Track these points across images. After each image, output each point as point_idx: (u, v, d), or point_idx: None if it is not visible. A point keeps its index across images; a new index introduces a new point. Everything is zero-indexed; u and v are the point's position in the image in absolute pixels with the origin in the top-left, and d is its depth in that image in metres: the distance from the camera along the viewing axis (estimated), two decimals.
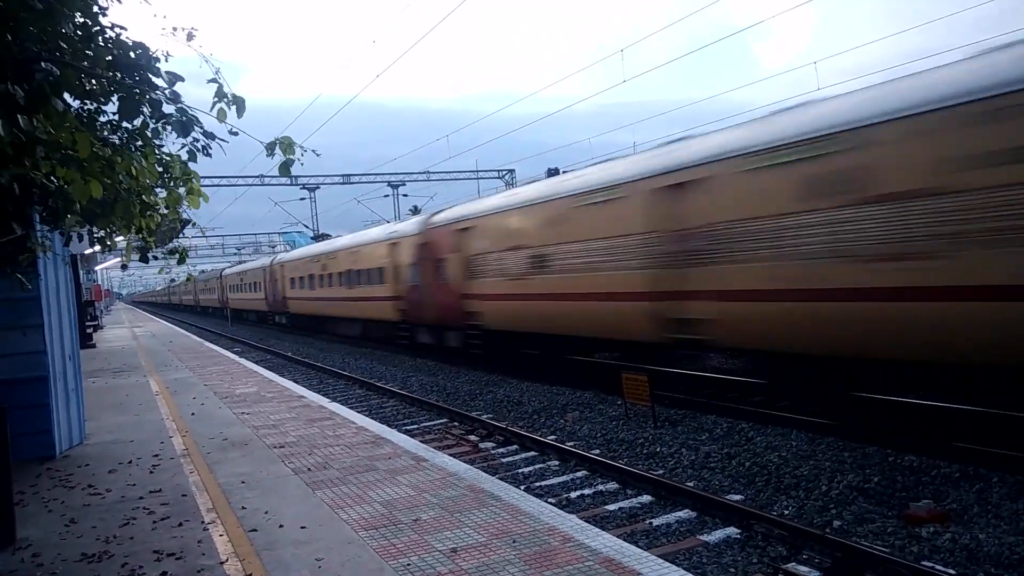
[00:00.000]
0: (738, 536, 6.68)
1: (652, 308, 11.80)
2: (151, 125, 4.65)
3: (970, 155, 7.46)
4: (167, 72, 4.40)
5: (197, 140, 4.77)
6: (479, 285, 17.55)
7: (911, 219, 8.01)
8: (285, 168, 4.71)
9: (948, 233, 7.66)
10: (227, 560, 5.07)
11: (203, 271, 73.22)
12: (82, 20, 4.35)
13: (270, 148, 4.58)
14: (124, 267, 9.39)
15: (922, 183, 7.90)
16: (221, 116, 4.48)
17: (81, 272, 24.80)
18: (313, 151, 4.73)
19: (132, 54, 4.34)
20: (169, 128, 4.60)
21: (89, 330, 27.70)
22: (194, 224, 6.95)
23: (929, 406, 9.41)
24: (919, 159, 7.95)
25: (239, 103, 4.55)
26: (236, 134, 4.59)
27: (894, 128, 8.19)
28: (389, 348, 24.86)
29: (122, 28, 4.58)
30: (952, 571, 5.61)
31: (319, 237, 43.88)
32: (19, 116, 3.59)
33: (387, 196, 47.63)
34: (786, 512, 7.18)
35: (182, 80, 4.43)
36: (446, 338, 20.17)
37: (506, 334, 16.95)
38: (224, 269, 60.89)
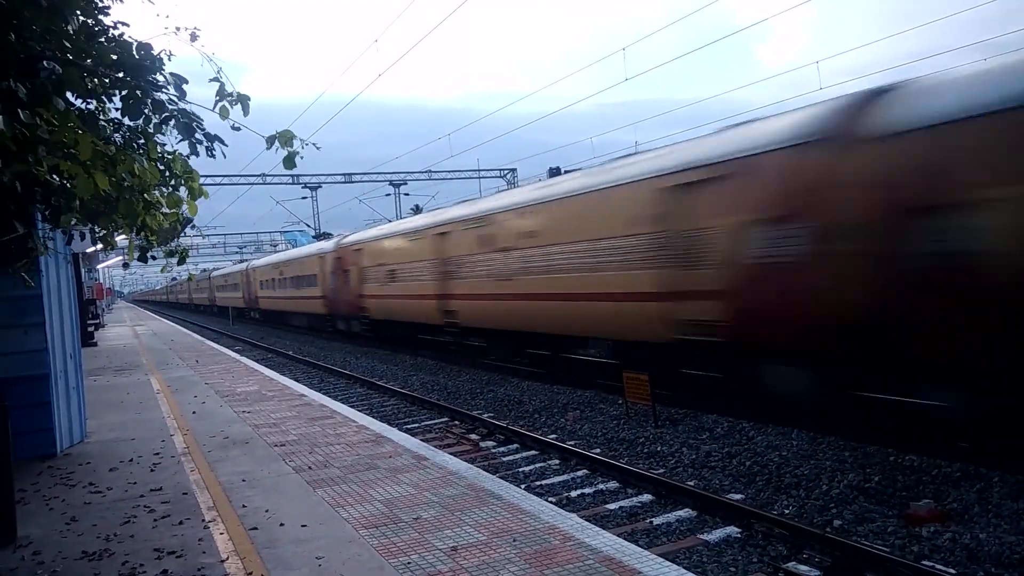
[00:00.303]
0: (738, 535, 6.69)
1: (437, 304, 20.12)
2: (153, 120, 4.65)
3: (512, 235, 16.09)
4: (172, 74, 4.40)
5: (200, 141, 4.77)
6: (366, 288, 26.34)
7: (506, 260, 16.34)
8: (289, 161, 4.73)
9: (516, 268, 15.90)
10: (228, 558, 5.08)
11: (204, 270, 73.08)
12: (84, 19, 4.36)
13: (270, 142, 4.59)
14: (126, 266, 9.40)
15: (506, 244, 16.35)
16: (224, 113, 4.48)
17: (83, 270, 24.83)
18: (314, 144, 4.74)
19: (136, 54, 4.34)
20: (172, 125, 4.60)
21: (90, 328, 27.73)
22: (194, 226, 6.96)
23: (930, 405, 9.40)
24: (505, 232, 16.42)
25: (243, 101, 4.56)
26: (238, 129, 4.60)
27: (494, 217, 17.07)
28: (389, 347, 24.91)
29: (125, 25, 4.59)
30: (952, 571, 5.61)
31: (320, 236, 44.07)
32: (20, 111, 3.60)
33: (388, 195, 47.69)
34: (786, 511, 7.19)
35: (186, 82, 4.43)
36: (351, 325, 28.68)
37: (382, 321, 25.62)
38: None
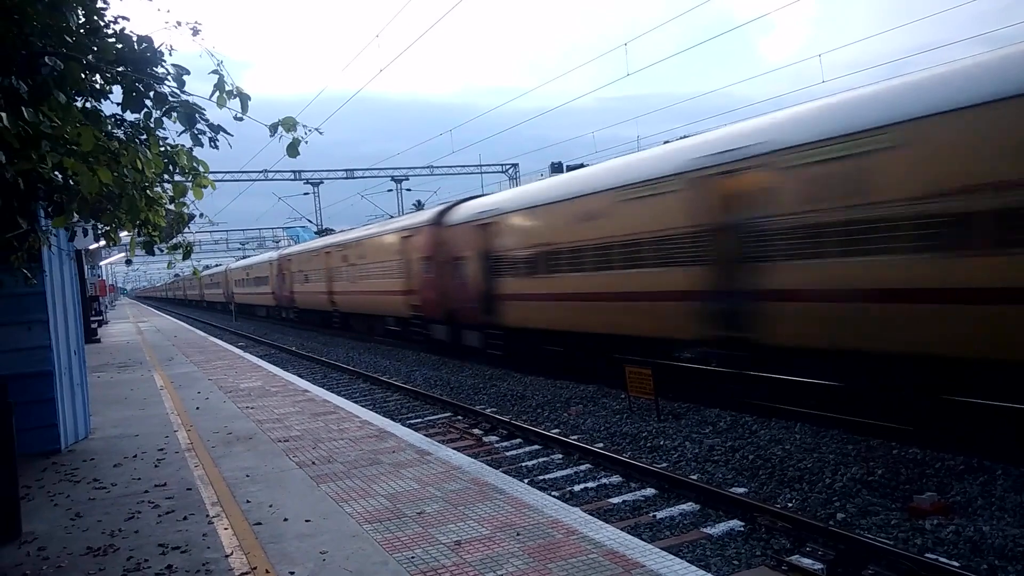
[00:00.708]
0: (742, 529, 6.69)
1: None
2: (155, 115, 4.65)
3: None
4: (173, 65, 4.40)
5: (203, 132, 4.77)
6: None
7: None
8: (293, 148, 4.73)
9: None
10: (232, 553, 5.09)
11: (207, 267, 72.89)
12: (85, 14, 4.36)
13: (273, 129, 4.59)
14: (128, 262, 9.43)
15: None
16: (221, 103, 4.48)
17: (86, 267, 24.86)
18: (317, 130, 4.74)
19: (137, 47, 4.34)
20: (174, 117, 4.60)
21: (94, 325, 27.77)
22: (202, 215, 6.95)
23: (933, 399, 9.41)
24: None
25: (243, 99, 4.56)
26: (241, 119, 4.59)
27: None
28: (394, 343, 24.91)
29: (125, 20, 4.59)
30: (956, 563, 5.61)
31: (322, 232, 43.97)
32: (24, 109, 3.60)
33: (390, 191, 47.70)
34: (790, 505, 7.19)
35: (188, 73, 4.43)
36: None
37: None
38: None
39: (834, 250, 8.85)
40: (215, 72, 4.41)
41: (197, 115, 4.63)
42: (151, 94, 4.40)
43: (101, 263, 35.50)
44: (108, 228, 6.60)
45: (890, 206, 8.21)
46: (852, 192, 8.59)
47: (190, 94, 4.57)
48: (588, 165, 16.87)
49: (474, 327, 18.53)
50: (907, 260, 8.06)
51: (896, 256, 8.16)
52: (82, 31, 4.26)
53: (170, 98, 4.46)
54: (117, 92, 4.69)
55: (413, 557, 4.84)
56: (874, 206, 8.37)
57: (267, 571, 4.75)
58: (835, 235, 8.83)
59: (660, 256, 11.81)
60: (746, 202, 10.16)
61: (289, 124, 4.64)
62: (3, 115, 3.32)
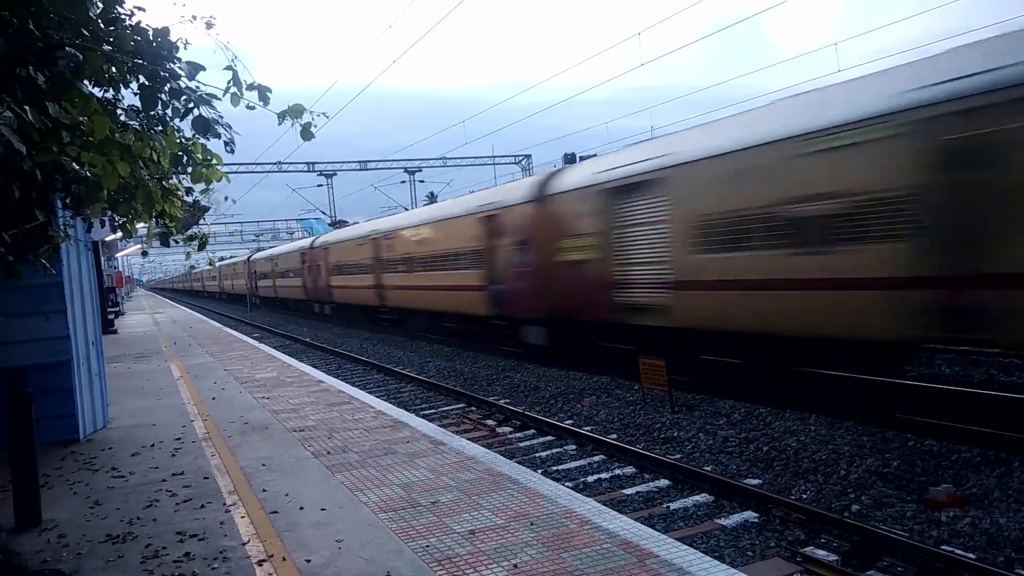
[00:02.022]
0: (756, 520, 6.69)
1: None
2: (173, 104, 4.67)
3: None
4: (187, 62, 4.42)
5: (218, 136, 4.80)
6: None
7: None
8: (307, 132, 4.76)
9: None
10: (249, 541, 5.14)
11: (222, 258, 73.03)
12: (102, 5, 4.38)
13: (281, 117, 4.62)
14: (144, 254, 9.50)
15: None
16: (235, 100, 4.50)
17: (102, 258, 25.05)
18: (323, 115, 4.77)
19: (154, 41, 4.36)
20: (190, 117, 4.62)
21: (110, 316, 28.01)
22: (227, 197, 6.98)
23: (950, 391, 9.37)
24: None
25: (262, 92, 4.57)
26: (252, 108, 4.61)
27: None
28: (405, 334, 24.99)
29: (141, 11, 4.61)
30: (972, 555, 5.59)
31: (336, 224, 44.01)
32: (47, 104, 3.63)
33: (404, 182, 47.76)
34: (804, 496, 7.18)
35: (203, 69, 4.44)
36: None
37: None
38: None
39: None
40: (229, 68, 4.43)
41: (212, 121, 4.65)
42: (167, 88, 4.42)
43: (117, 254, 35.78)
44: (125, 219, 6.66)
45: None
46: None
47: (205, 84, 4.58)
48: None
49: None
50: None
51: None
52: (100, 21, 4.28)
53: (185, 93, 4.47)
54: (133, 85, 4.72)
55: (428, 546, 4.86)
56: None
57: (284, 559, 4.79)
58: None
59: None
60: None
61: (296, 112, 4.66)
62: (27, 108, 3.34)
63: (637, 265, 12.93)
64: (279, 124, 4.63)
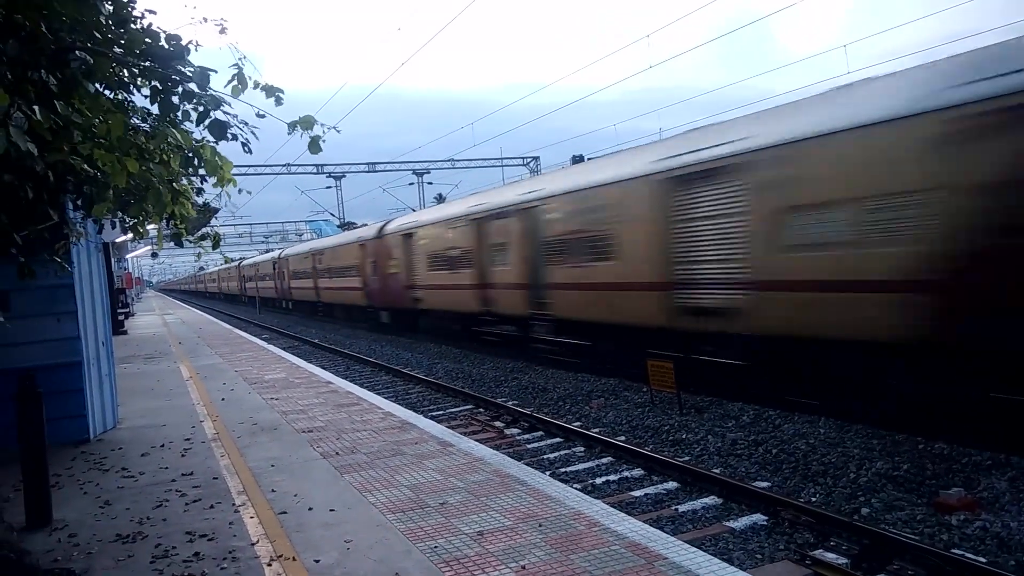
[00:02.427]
0: (764, 523, 6.66)
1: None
2: (184, 107, 4.68)
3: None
4: (199, 68, 4.44)
5: (235, 137, 4.81)
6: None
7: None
8: (314, 145, 4.77)
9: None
10: (258, 541, 5.16)
11: (242, 257, 73.23)
12: (112, 7, 4.40)
13: (291, 127, 4.63)
14: (154, 255, 9.55)
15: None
16: (236, 91, 4.52)
17: (113, 260, 25.17)
18: (334, 128, 4.77)
19: (167, 44, 4.38)
20: (205, 124, 4.64)
21: (121, 317, 28.14)
22: (235, 193, 6.99)
23: (961, 393, 9.29)
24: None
25: (274, 93, 4.58)
26: (263, 116, 4.63)
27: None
28: (414, 336, 25.05)
29: (152, 13, 4.63)
30: (983, 559, 5.55)
31: (344, 226, 44.09)
32: (56, 102, 3.66)
33: (412, 184, 47.83)
34: (813, 499, 7.15)
35: (214, 72, 4.46)
36: None
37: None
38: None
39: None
40: (235, 66, 4.45)
41: (227, 124, 4.66)
42: (179, 90, 4.44)
43: (127, 256, 35.94)
44: (135, 221, 6.70)
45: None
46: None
47: (216, 91, 4.60)
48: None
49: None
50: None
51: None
52: (110, 23, 4.31)
53: (198, 96, 4.49)
54: (144, 89, 4.74)
55: (436, 547, 4.87)
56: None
57: (293, 559, 4.80)
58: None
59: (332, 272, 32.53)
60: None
61: (307, 123, 4.67)
62: (36, 108, 3.37)
63: (421, 274, 22.95)
64: (288, 134, 4.64)
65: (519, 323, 17.27)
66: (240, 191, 6.16)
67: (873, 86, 9.45)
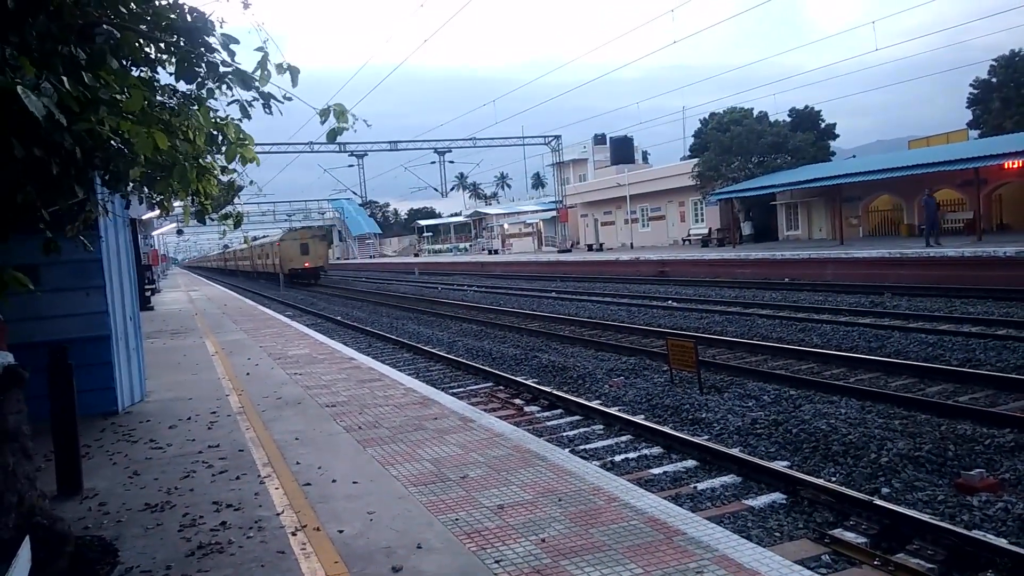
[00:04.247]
0: (784, 502, 6.67)
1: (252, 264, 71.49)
2: (207, 85, 4.71)
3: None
4: (222, 34, 4.47)
5: (257, 99, 4.82)
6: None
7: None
8: (333, 135, 4.78)
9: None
10: (283, 512, 5.26)
11: (255, 237, 75.71)
12: None
13: (323, 114, 4.63)
14: (180, 232, 9.65)
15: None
16: (263, 80, 4.54)
17: (139, 237, 25.47)
18: (364, 121, 4.78)
19: (189, 17, 4.42)
20: (226, 86, 4.66)
21: (147, 293, 28.52)
22: (252, 182, 7.05)
23: (984, 375, 9.23)
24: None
25: (293, 72, 4.60)
26: (290, 99, 4.65)
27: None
28: (434, 314, 25.17)
29: None
30: (1004, 541, 5.53)
31: (366, 204, 44.25)
32: (84, 73, 3.71)
33: (433, 163, 47.90)
34: (833, 479, 7.14)
35: (237, 43, 4.49)
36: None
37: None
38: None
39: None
40: (260, 49, 4.47)
41: (252, 79, 4.67)
42: (203, 63, 4.47)
43: (153, 233, 36.37)
44: (162, 197, 6.77)
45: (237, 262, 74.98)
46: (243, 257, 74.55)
47: (239, 63, 4.62)
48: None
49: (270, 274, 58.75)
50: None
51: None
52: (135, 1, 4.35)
53: (222, 67, 4.52)
54: (170, 64, 4.78)
55: (457, 519, 4.94)
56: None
57: (316, 529, 4.90)
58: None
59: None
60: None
61: (340, 111, 4.67)
62: (64, 79, 3.42)
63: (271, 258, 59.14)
64: (321, 123, 4.64)
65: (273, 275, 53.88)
66: (251, 182, 6.19)
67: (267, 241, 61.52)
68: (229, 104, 5.02)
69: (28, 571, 3.43)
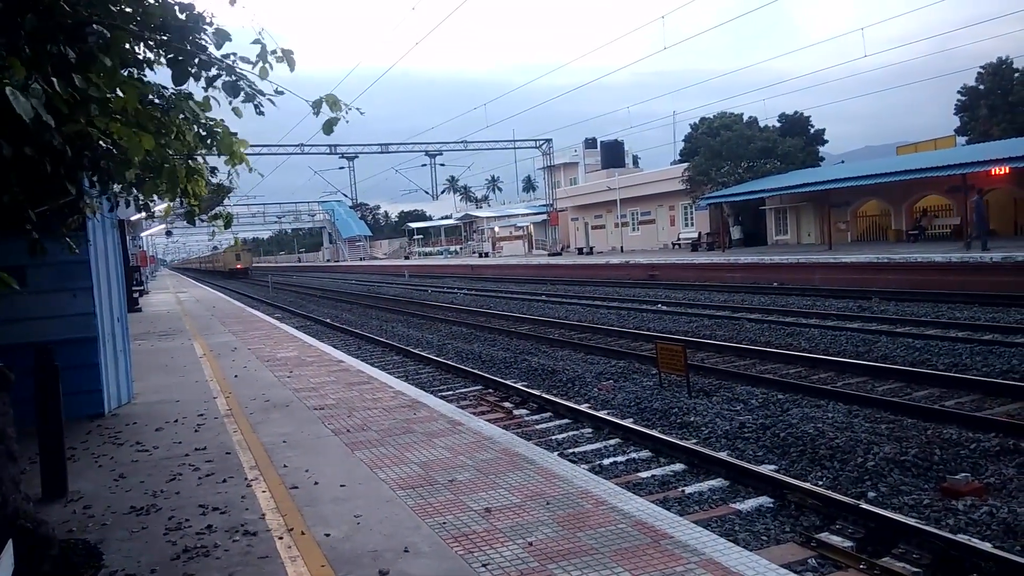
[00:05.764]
0: (771, 505, 6.70)
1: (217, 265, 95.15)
2: (201, 79, 4.68)
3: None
4: (215, 31, 4.44)
5: (250, 98, 4.79)
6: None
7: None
8: (328, 127, 4.76)
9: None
10: (269, 515, 5.25)
11: (245, 239, 75.71)
12: None
13: (316, 106, 4.62)
14: (169, 234, 9.62)
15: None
16: (263, 73, 4.52)
17: (128, 238, 25.33)
18: (358, 109, 4.76)
19: (181, 15, 4.40)
20: (219, 84, 4.63)
21: (135, 295, 28.36)
22: (244, 176, 7.02)
23: (970, 380, 9.30)
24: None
25: (288, 56, 4.55)
26: (282, 93, 4.63)
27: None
28: (424, 317, 25.14)
29: None
30: (989, 545, 5.57)
31: (357, 207, 44.22)
32: (74, 75, 3.69)
33: (424, 165, 47.87)
34: (820, 483, 7.17)
35: (229, 39, 4.47)
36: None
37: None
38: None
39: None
40: (257, 41, 4.45)
41: (241, 83, 4.65)
42: (196, 60, 4.44)
43: (142, 234, 36.19)
44: (149, 200, 6.74)
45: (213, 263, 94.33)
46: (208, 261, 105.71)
47: (237, 62, 4.59)
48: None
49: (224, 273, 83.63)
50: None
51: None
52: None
53: (214, 62, 4.49)
54: (161, 67, 4.76)
55: (445, 523, 4.94)
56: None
57: (303, 532, 4.88)
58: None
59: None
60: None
61: (333, 101, 4.65)
62: (54, 80, 3.40)
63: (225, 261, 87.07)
64: (315, 115, 4.62)
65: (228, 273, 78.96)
66: (251, 170, 6.17)
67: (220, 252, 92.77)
68: (229, 103, 4.99)
69: (11, 574, 3.41)
